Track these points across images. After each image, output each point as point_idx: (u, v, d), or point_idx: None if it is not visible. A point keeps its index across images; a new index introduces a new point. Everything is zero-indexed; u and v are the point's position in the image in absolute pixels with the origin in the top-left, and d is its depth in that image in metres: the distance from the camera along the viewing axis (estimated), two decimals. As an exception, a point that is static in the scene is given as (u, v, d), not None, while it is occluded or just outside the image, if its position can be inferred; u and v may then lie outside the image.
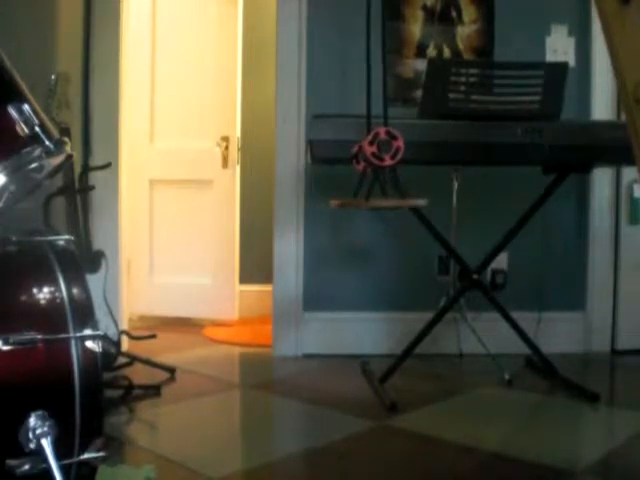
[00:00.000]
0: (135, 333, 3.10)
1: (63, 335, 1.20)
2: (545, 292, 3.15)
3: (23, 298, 1.24)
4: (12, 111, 1.20)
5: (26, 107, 1.21)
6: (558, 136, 2.45)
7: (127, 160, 3.26)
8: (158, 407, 2.42)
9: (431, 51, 3.16)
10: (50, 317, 1.22)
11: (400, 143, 2.17)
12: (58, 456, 1.14)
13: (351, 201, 2.34)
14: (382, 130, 2.18)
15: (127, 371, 2.63)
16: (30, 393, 1.17)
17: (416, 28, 3.15)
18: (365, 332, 3.15)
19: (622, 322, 3.24)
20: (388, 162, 2.17)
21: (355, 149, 2.26)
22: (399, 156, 2.17)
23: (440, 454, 1.99)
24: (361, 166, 2.26)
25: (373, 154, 2.17)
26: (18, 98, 1.22)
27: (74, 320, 1.22)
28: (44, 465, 1.13)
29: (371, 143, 2.17)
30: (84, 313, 1.25)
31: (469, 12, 3.18)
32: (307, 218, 3.13)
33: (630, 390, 2.72)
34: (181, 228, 3.96)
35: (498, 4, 3.18)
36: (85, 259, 2.50)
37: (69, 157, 1.30)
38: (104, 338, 1.33)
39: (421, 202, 2.35)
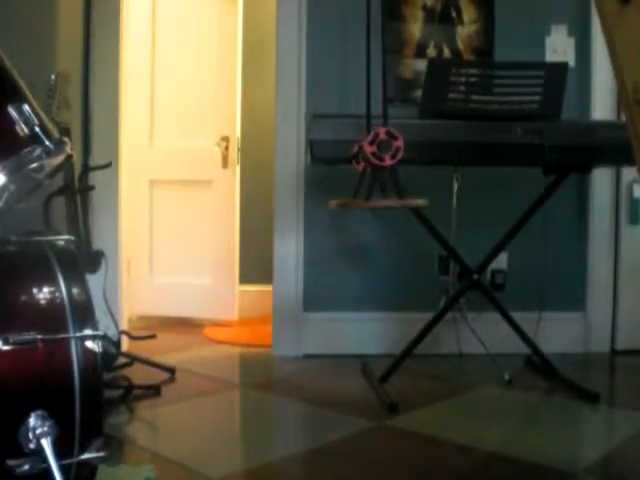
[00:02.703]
0: (135, 333, 3.10)
1: (63, 335, 1.21)
2: (545, 292, 3.15)
3: (23, 298, 1.24)
4: (12, 111, 1.20)
5: (26, 107, 1.21)
6: (558, 136, 2.45)
7: (127, 160, 3.26)
8: (158, 407, 2.42)
9: (431, 51, 3.16)
10: (50, 317, 1.22)
11: (400, 143, 2.17)
12: (58, 456, 1.14)
13: (351, 201, 2.34)
14: (382, 130, 2.18)
15: (127, 371, 2.63)
16: (30, 393, 1.17)
17: (416, 28, 3.15)
18: (365, 332, 3.14)
19: (622, 322, 3.24)
20: (388, 162, 2.17)
21: (355, 149, 2.26)
22: (399, 156, 2.17)
23: (440, 454, 1.99)
24: (361, 166, 2.27)
25: (373, 154, 2.17)
26: (18, 98, 1.22)
27: (74, 320, 1.22)
28: (44, 465, 1.13)
29: (371, 143, 2.17)
30: (84, 313, 1.25)
31: (469, 12, 3.18)
32: (307, 218, 3.13)
33: (630, 390, 2.72)
34: (181, 228, 3.96)
35: (498, 4, 3.18)
36: (85, 259, 2.50)
37: (69, 157, 1.30)
38: (104, 338, 1.33)
39: (421, 202, 2.34)
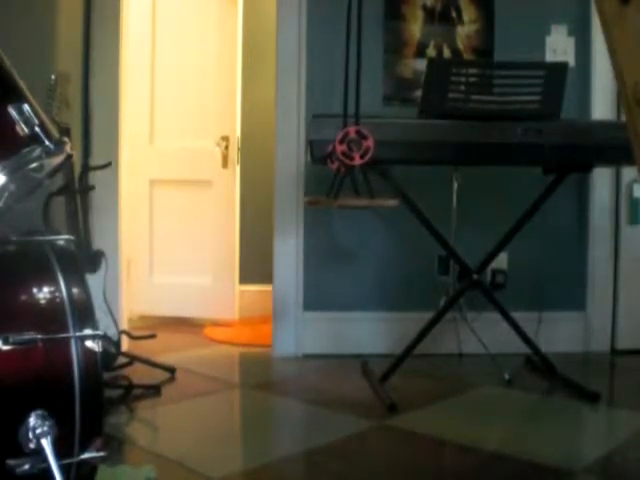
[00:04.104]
0: (135, 333, 3.09)
1: (63, 335, 1.20)
2: (545, 292, 3.15)
3: (23, 298, 1.24)
4: (12, 111, 1.20)
5: (26, 107, 1.21)
6: (558, 136, 2.45)
7: (127, 160, 3.26)
8: (158, 407, 2.42)
9: (431, 51, 3.16)
10: (50, 317, 1.22)
11: (370, 143, 2.18)
12: (58, 456, 1.14)
13: (322, 199, 2.36)
14: (352, 129, 2.19)
15: (127, 371, 2.63)
16: (30, 393, 1.17)
17: (416, 28, 3.15)
18: (365, 332, 3.15)
19: (622, 322, 3.24)
20: (358, 161, 2.18)
21: (330, 148, 2.26)
22: (369, 155, 2.18)
23: (440, 454, 1.99)
24: (335, 165, 2.28)
25: (343, 153, 2.18)
26: (18, 98, 1.22)
27: (74, 320, 1.22)
28: (44, 465, 1.13)
29: (341, 142, 2.18)
30: (84, 313, 1.25)
31: (469, 12, 3.18)
32: (307, 218, 3.13)
33: (630, 390, 2.72)
34: (181, 228, 3.96)
35: (498, 4, 3.18)
36: (85, 259, 2.50)
37: (69, 157, 1.30)
38: (104, 338, 1.33)
39: (391, 202, 2.36)
